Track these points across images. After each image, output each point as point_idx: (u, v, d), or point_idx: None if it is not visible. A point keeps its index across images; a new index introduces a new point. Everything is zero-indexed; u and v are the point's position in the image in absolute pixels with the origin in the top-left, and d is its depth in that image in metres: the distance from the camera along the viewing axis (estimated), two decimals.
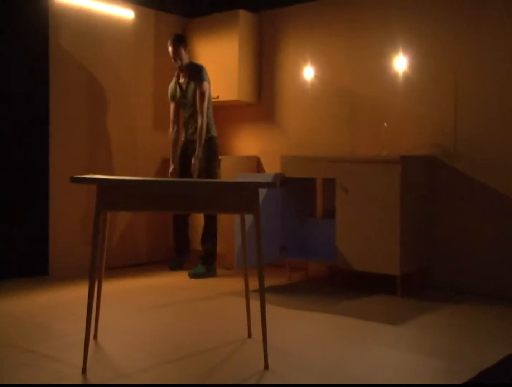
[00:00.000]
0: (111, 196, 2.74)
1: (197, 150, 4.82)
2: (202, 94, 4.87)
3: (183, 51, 4.91)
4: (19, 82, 4.67)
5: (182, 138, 5.10)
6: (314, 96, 5.24)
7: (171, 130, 5.14)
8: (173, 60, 4.94)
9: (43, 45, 4.76)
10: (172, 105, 5.13)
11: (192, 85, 4.94)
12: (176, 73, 5.05)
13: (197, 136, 4.84)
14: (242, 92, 5.43)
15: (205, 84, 4.89)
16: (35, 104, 4.77)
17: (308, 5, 5.27)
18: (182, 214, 5.05)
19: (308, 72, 5.26)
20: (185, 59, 4.94)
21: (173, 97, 5.08)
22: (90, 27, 5.07)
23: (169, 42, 4.93)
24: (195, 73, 4.92)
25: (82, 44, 5.03)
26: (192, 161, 4.82)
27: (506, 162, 4.23)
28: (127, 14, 5.35)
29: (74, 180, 2.78)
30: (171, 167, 5.08)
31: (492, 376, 2.65)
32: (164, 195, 2.75)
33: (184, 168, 5.00)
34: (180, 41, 4.92)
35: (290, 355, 2.96)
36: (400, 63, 4.70)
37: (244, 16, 5.42)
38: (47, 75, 4.79)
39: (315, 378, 2.63)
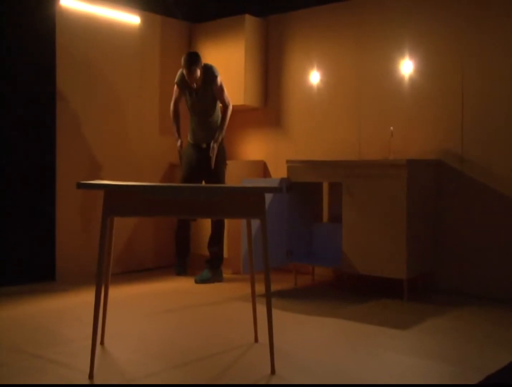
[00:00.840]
0: (118, 201, 2.74)
1: (218, 133, 4.85)
2: (221, 88, 4.87)
3: (198, 72, 4.74)
4: (26, 87, 4.70)
5: (190, 141, 5.04)
6: (320, 101, 5.24)
7: (172, 107, 4.99)
8: (188, 80, 4.78)
9: (50, 50, 4.79)
10: (176, 89, 4.96)
11: (207, 92, 4.85)
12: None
13: (221, 122, 4.89)
14: (248, 97, 5.44)
15: (219, 78, 4.84)
16: (41, 109, 4.80)
17: (314, 10, 5.28)
18: (188, 218, 5.05)
19: (314, 77, 5.26)
20: (200, 76, 4.79)
21: (181, 85, 4.92)
22: (97, 33, 5.10)
23: (183, 63, 4.71)
24: (207, 74, 4.82)
25: (89, 49, 5.05)
26: (211, 144, 4.80)
27: None
28: (133, 19, 5.37)
29: (81, 186, 2.79)
30: (179, 141, 4.91)
31: (498, 381, 2.64)
32: (170, 200, 2.76)
33: (192, 173, 4.97)
34: (196, 64, 4.70)
35: (296, 359, 2.95)
36: (407, 67, 4.69)
37: (250, 21, 5.43)
38: (54, 80, 4.81)
39: (322, 383, 2.63)
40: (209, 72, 4.83)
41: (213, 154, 4.80)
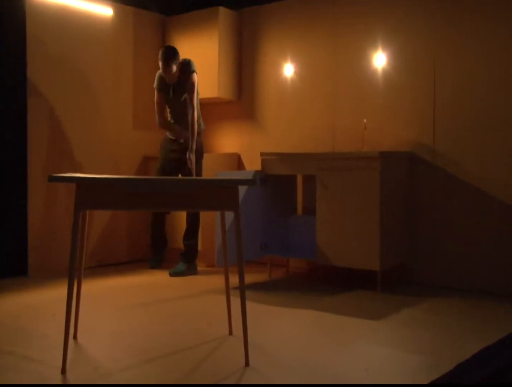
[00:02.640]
0: (90, 195, 2.72)
1: (191, 143, 4.72)
2: (192, 86, 4.76)
3: (174, 67, 4.72)
4: None
5: (168, 135, 5.02)
6: (294, 94, 5.25)
7: (158, 118, 4.94)
8: (163, 73, 4.76)
9: (20, 41, 4.70)
10: (157, 94, 4.92)
11: (182, 88, 4.80)
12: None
13: (190, 129, 4.74)
14: (222, 89, 5.42)
15: (195, 75, 4.79)
16: (12, 103, 4.71)
17: (288, 3, 5.28)
18: (162, 211, 5.03)
19: (288, 69, 5.26)
20: (176, 70, 4.77)
21: (160, 88, 4.90)
22: (69, 24, 5.03)
23: (160, 57, 4.70)
24: (184, 68, 4.78)
25: (60, 42, 4.98)
26: (187, 155, 4.70)
27: (484, 158, 4.28)
28: (106, 11, 5.31)
29: (52, 179, 2.76)
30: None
31: (467, 370, 2.69)
32: (144, 193, 2.74)
33: (169, 165, 4.94)
34: (173, 58, 4.69)
35: (271, 351, 2.96)
36: (380, 60, 4.72)
37: (223, 14, 5.40)
38: (25, 73, 4.73)
39: (296, 375, 2.64)
40: (186, 67, 4.79)
41: (192, 164, 4.70)
